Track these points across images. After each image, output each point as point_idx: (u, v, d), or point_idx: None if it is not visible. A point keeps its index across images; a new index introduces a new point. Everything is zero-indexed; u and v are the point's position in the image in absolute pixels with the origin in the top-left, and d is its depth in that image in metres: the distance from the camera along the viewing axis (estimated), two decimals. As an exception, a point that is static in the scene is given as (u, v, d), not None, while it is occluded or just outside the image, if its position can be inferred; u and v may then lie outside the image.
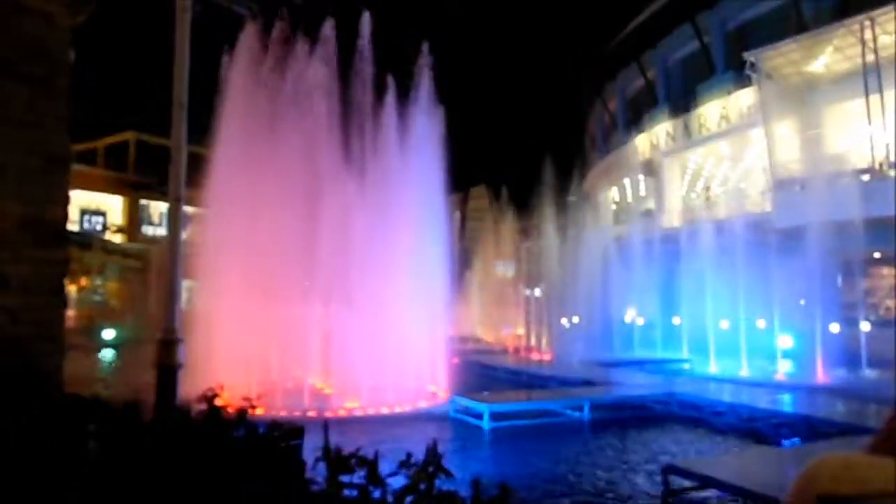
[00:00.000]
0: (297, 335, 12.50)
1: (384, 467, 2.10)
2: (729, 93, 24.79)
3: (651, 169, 29.15)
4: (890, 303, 21.56)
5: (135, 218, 35.20)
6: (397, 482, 2.02)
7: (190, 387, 3.54)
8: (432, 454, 1.89)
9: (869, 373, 13.91)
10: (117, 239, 33.42)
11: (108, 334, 25.48)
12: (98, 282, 30.77)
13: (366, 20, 13.24)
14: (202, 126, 11.91)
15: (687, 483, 6.46)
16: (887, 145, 18.40)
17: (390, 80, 13.63)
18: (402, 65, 13.86)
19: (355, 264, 12.12)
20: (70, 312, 26.36)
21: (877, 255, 19.10)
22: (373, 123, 13.36)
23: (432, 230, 13.53)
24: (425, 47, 13.73)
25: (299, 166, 12.20)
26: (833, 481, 0.51)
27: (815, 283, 16.98)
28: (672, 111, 28.66)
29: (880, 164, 18.46)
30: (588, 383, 13.19)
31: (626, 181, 33.57)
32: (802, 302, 18.95)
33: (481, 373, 16.43)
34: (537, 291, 28.23)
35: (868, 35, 18.29)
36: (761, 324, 17.68)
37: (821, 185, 18.81)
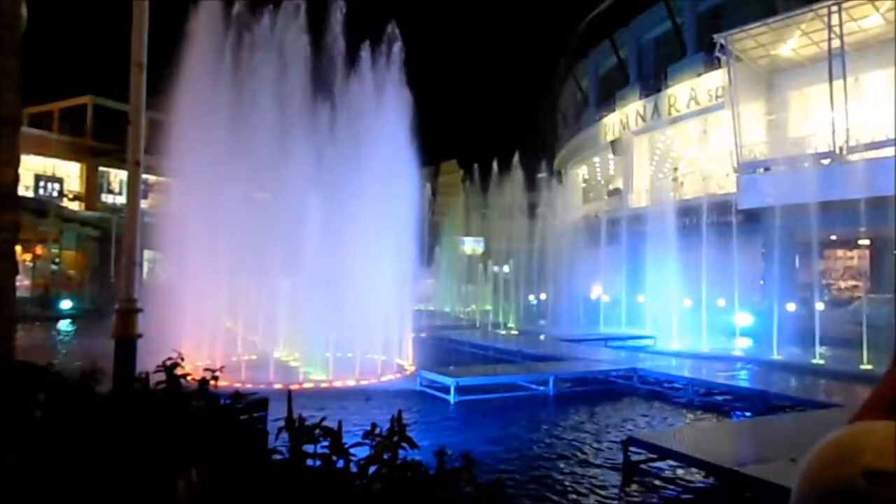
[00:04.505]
0: (263, 307, 12.35)
1: (349, 439, 2.07)
2: (699, 74, 25.01)
3: (620, 148, 29.36)
4: (843, 284, 22.38)
5: (93, 185, 34.01)
6: (362, 452, 2.00)
7: (152, 358, 3.46)
8: (397, 424, 1.87)
9: (821, 350, 14.45)
10: (75, 206, 32.29)
11: (66, 304, 24.81)
12: (54, 250, 29.79)
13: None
14: (165, 91, 11.48)
15: (646, 455, 6.65)
16: (847, 130, 18.86)
17: (360, 50, 13.33)
18: (373, 34, 13.55)
19: (323, 237, 11.97)
20: (25, 282, 25.52)
21: (833, 237, 19.71)
22: (341, 93, 13.06)
23: (401, 203, 13.39)
24: (396, 20, 13.45)
25: (265, 136, 11.90)
26: (879, 456, 0.47)
27: (774, 264, 17.49)
28: (643, 91, 28.83)
29: (840, 149, 18.93)
30: (553, 359, 13.39)
31: (596, 160, 33.80)
32: (761, 282, 19.55)
33: (448, 347, 16.53)
34: (506, 268, 28.44)
35: (834, 20, 18.58)
36: (721, 302, 18.17)
37: (783, 169, 19.27)
